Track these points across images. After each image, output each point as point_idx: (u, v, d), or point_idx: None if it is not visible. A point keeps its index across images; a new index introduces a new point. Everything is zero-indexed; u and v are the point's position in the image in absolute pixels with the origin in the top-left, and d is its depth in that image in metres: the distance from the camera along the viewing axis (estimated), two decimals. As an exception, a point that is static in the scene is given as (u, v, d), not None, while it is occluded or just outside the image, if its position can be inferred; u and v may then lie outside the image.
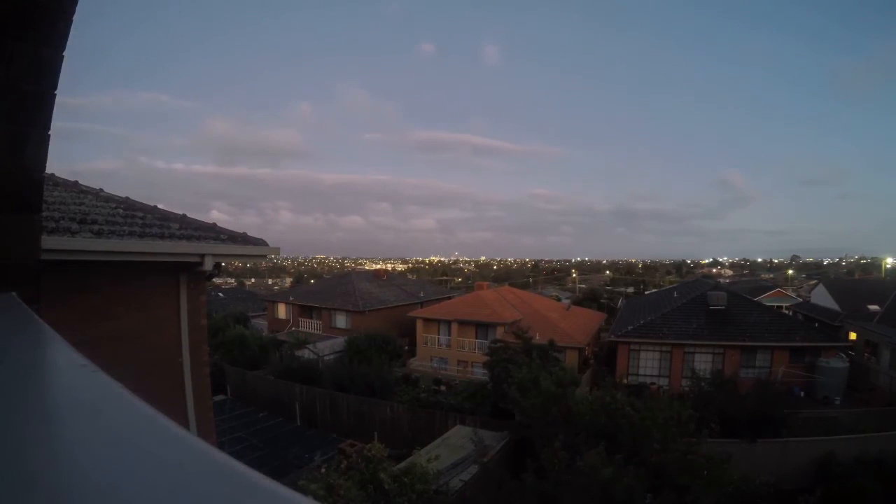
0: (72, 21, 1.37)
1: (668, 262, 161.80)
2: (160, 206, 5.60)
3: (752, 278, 75.97)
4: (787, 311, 30.44)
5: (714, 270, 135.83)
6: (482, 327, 27.19)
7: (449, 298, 34.31)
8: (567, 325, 27.10)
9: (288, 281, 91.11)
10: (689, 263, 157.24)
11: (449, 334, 28.26)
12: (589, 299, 45.96)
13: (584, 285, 68.44)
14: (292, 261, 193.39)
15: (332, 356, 24.06)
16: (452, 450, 12.40)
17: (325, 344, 26.06)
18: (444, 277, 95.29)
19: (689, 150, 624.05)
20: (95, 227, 4.07)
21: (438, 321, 28.90)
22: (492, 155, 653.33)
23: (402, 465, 9.37)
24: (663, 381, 21.62)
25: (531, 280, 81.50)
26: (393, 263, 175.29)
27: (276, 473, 12.99)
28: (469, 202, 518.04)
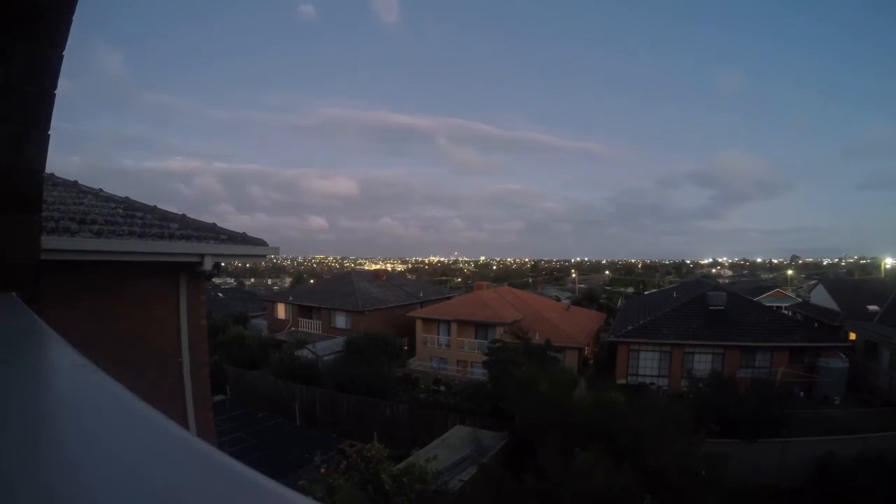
0: (72, 21, 1.37)
1: (667, 263, 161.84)
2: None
3: (751, 278, 76.02)
4: (786, 312, 30.44)
5: (714, 270, 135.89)
6: (482, 327, 27.20)
7: (448, 298, 34.32)
8: (567, 325, 27.11)
9: (287, 281, 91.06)
10: (689, 263, 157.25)
11: (448, 334, 28.26)
12: (588, 299, 46.01)
13: (583, 285, 68.45)
14: (292, 261, 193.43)
15: (331, 356, 24.06)
16: (452, 450, 12.39)
17: (324, 344, 26.06)
18: (444, 277, 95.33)
19: (688, 149, 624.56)
20: (95, 227, 4.07)
21: (438, 321, 28.90)
22: (491, 150, 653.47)
23: (402, 465, 9.38)
24: (663, 382, 21.62)
25: (531, 280, 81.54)
26: (392, 263, 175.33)
27: (276, 473, 12.96)
28: (465, 200, 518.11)
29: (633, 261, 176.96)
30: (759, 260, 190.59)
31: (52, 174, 5.76)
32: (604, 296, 50.95)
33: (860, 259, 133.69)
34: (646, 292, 47.97)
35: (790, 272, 78.53)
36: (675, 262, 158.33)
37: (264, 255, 5.51)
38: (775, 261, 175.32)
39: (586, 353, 26.82)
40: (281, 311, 35.83)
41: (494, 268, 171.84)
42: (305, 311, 33.66)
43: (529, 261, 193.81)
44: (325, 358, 23.79)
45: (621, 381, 20.99)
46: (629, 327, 23.35)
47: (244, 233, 5.42)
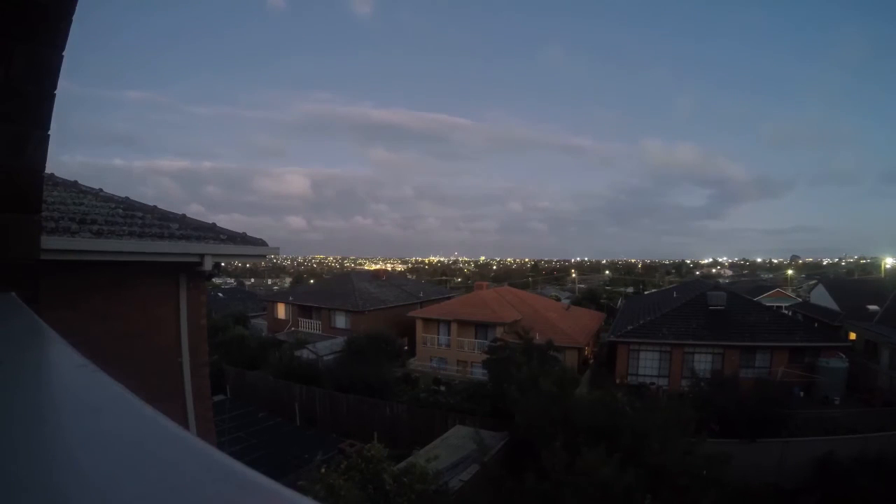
0: (72, 21, 1.37)
1: (667, 262, 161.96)
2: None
3: (751, 278, 76.09)
4: (786, 312, 30.43)
5: (714, 270, 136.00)
6: (482, 327, 27.19)
7: (448, 298, 34.32)
8: (567, 325, 27.11)
9: (287, 281, 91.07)
10: (689, 263, 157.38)
11: (449, 334, 28.25)
12: (588, 299, 46.03)
13: (583, 285, 68.54)
14: (292, 261, 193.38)
15: (331, 356, 24.06)
16: (452, 450, 12.39)
17: (324, 344, 26.06)
18: (444, 277, 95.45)
19: (687, 148, 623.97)
20: (95, 228, 4.08)
21: (438, 321, 28.89)
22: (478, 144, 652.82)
23: (402, 465, 9.37)
24: (663, 382, 21.61)
25: (531, 280, 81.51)
26: (392, 263, 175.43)
27: (276, 473, 12.93)
28: (464, 199, 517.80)
29: (633, 261, 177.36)
30: (759, 260, 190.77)
31: (52, 174, 5.76)
32: (604, 296, 51.03)
33: (860, 259, 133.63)
34: (646, 292, 48.03)
35: (790, 272, 78.46)
36: (675, 262, 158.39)
37: (264, 255, 5.51)
38: (775, 261, 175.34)
39: (586, 352, 26.82)
40: (281, 311, 35.82)
41: (494, 268, 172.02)
42: (305, 311, 33.66)
43: (529, 261, 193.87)
44: (326, 358, 23.79)
45: (621, 381, 21.00)
46: (629, 327, 23.35)
47: (244, 233, 5.43)
